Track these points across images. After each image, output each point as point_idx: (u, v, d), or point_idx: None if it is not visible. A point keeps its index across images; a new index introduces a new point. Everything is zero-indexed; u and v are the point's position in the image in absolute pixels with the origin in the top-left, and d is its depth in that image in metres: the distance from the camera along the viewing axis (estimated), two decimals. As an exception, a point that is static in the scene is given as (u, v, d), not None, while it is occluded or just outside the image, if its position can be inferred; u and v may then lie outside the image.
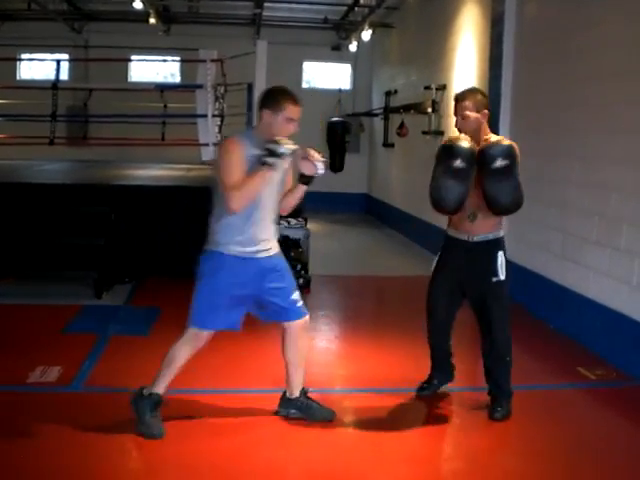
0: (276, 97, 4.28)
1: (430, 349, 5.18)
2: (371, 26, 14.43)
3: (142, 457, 4.27)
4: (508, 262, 4.81)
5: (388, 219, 15.16)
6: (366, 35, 14.58)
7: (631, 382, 5.62)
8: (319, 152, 4.42)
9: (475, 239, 4.77)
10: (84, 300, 7.46)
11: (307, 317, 4.59)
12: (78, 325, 6.70)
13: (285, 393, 4.70)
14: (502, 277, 4.72)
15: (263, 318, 4.59)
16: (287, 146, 4.16)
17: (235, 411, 4.77)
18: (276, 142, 4.14)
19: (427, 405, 5.14)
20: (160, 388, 4.42)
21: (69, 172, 12.14)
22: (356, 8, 14.64)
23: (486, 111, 4.73)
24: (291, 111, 4.25)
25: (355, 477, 4.10)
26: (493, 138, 4.67)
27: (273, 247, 4.47)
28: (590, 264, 6.53)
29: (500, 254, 4.74)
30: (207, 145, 10.95)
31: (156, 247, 8.69)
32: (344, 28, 16.63)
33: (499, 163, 4.46)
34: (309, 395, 4.70)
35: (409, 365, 5.85)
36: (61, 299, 7.48)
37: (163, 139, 13.85)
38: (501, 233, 4.83)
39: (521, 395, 4.79)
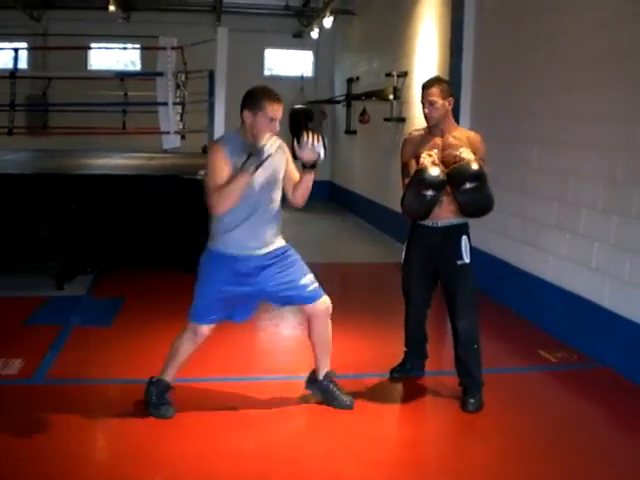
0: (255, 97, 4.23)
1: (405, 334, 5.25)
2: (332, 13, 14.43)
3: (106, 447, 4.27)
4: (476, 251, 4.90)
5: (351, 206, 15.19)
6: (327, 22, 14.58)
7: (591, 364, 5.70)
8: (316, 134, 4.31)
9: (440, 224, 4.84)
10: (45, 291, 7.39)
11: (325, 298, 4.61)
12: (40, 317, 6.63)
13: (313, 372, 4.80)
14: (467, 260, 4.82)
15: (278, 304, 4.93)
16: (266, 147, 4.09)
17: (196, 399, 4.78)
18: (255, 146, 4.12)
19: (396, 389, 5.20)
20: (167, 376, 4.58)
21: (29, 162, 11.99)
22: (317, -5, 14.65)
23: (451, 98, 4.89)
24: (271, 110, 4.20)
25: (321, 462, 4.13)
26: (457, 133, 4.85)
27: (274, 243, 4.49)
28: (550, 248, 6.61)
29: (464, 238, 4.84)
30: (168, 133, 10.87)
31: (118, 237, 8.63)
32: (305, 15, 16.60)
33: (468, 186, 4.58)
34: (334, 380, 4.78)
35: (375, 351, 5.90)
36: (22, 290, 7.40)
37: (124, 127, 13.75)
38: (464, 220, 4.91)
39: (483, 378, 4.83)
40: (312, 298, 4.55)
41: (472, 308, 4.86)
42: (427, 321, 5.24)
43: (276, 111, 4.22)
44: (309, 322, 4.68)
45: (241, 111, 4.28)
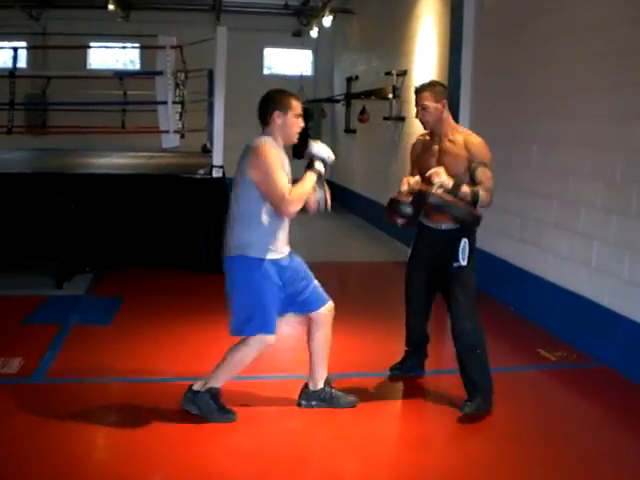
0: (282, 98, 4.40)
1: (406, 334, 5.23)
2: (332, 12, 14.44)
3: (106, 446, 4.27)
4: (476, 251, 4.78)
5: (350, 205, 15.17)
6: (327, 21, 14.58)
7: (590, 363, 5.70)
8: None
9: (443, 227, 4.76)
10: (45, 290, 7.39)
11: (331, 302, 4.63)
12: (39, 316, 6.63)
13: (307, 385, 4.72)
14: (463, 263, 4.70)
15: (291, 312, 4.64)
16: (330, 153, 4.42)
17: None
18: (321, 147, 4.39)
19: (396, 388, 5.20)
20: (219, 383, 4.48)
21: (28, 161, 12.01)
22: (316, -6, 14.65)
23: (445, 101, 4.79)
24: (297, 107, 4.39)
25: (318, 461, 4.13)
26: (456, 136, 4.72)
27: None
28: (549, 247, 6.61)
29: (464, 240, 4.70)
30: (167, 132, 10.86)
31: (117, 236, 8.64)
32: (305, 14, 16.61)
33: (432, 200, 4.55)
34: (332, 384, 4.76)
35: (375, 350, 5.91)
36: (21, 290, 7.40)
37: (123, 127, 13.76)
38: None
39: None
40: (325, 300, 4.59)
41: (471, 312, 4.73)
42: (429, 322, 5.21)
43: (300, 107, 4.43)
44: (311, 327, 4.64)
45: (268, 115, 4.36)
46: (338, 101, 16.11)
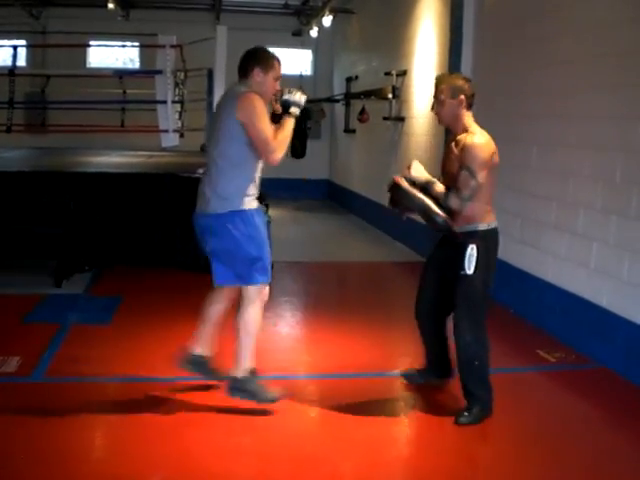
0: (266, 57, 4.54)
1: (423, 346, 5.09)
2: (332, 12, 14.44)
3: (105, 446, 4.26)
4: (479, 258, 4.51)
5: (349, 205, 15.19)
6: (327, 21, 14.59)
7: (590, 364, 5.70)
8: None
9: (456, 230, 4.54)
10: (44, 289, 7.37)
11: None
12: (38, 314, 6.62)
13: (201, 356, 4.80)
14: (469, 272, 4.48)
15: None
16: (303, 96, 4.54)
17: (195, 398, 4.77)
18: (292, 93, 4.51)
19: (392, 390, 5.17)
20: (250, 359, 4.54)
21: (27, 160, 11.99)
22: (316, -7, 14.64)
23: (462, 97, 4.50)
24: (279, 69, 4.54)
25: (317, 462, 4.11)
26: (462, 136, 4.50)
27: None
28: (549, 248, 6.61)
29: (471, 247, 4.46)
30: (167, 131, 10.85)
31: (116, 235, 8.63)
32: (305, 14, 16.61)
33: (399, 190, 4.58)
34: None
35: (373, 351, 5.88)
36: (20, 288, 7.38)
37: (123, 125, 13.75)
38: (480, 226, 4.54)
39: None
40: None
41: (472, 323, 4.53)
42: (445, 330, 4.99)
43: (280, 71, 4.57)
44: (231, 303, 4.75)
45: (249, 69, 4.49)
46: (338, 101, 16.09)
